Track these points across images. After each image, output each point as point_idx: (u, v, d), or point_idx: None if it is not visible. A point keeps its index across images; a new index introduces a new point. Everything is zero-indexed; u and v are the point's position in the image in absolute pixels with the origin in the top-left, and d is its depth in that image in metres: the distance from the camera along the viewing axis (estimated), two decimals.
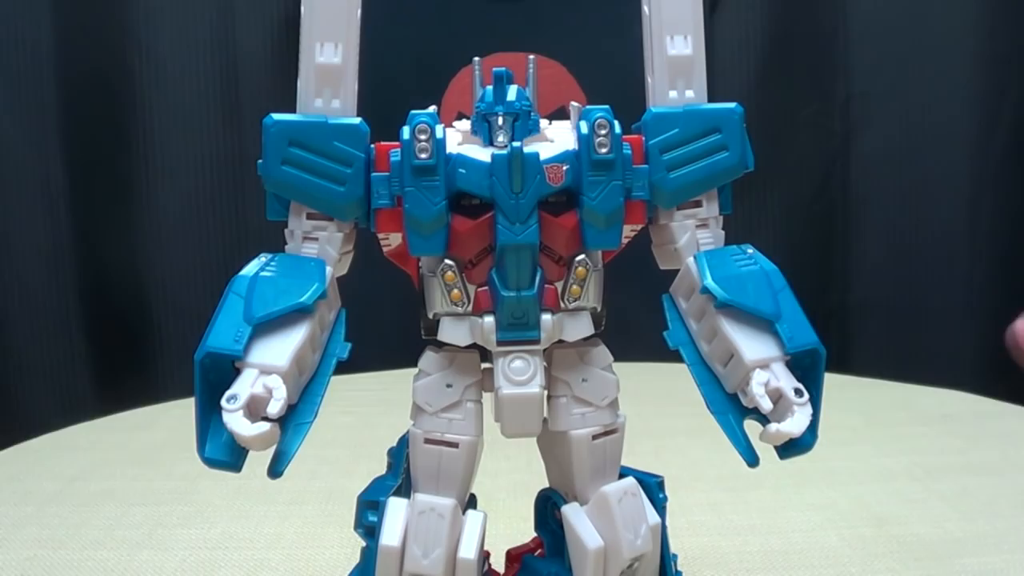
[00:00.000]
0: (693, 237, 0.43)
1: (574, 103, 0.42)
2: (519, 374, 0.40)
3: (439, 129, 0.39)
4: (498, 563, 0.48)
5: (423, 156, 0.38)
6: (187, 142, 1.39)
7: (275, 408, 0.37)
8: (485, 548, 0.45)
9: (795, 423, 0.39)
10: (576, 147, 0.40)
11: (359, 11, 0.41)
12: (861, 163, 1.47)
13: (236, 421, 0.37)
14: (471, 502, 0.44)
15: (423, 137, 0.38)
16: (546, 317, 0.40)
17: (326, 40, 0.41)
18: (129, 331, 1.44)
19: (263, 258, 0.41)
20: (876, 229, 1.49)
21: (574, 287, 0.41)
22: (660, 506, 0.44)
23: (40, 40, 1.36)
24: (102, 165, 1.41)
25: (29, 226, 1.40)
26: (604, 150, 0.39)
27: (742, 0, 1.41)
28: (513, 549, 0.49)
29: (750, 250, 0.43)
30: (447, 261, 0.40)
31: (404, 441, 0.44)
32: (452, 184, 0.39)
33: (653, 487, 0.44)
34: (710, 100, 0.43)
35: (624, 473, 0.44)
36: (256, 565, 0.68)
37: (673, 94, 0.42)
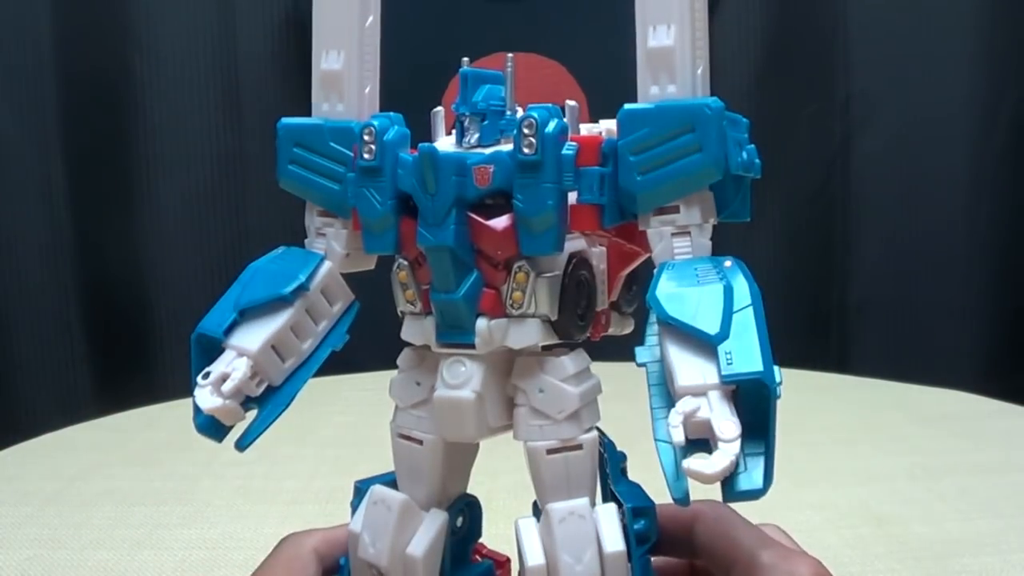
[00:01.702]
0: (668, 245, 0.39)
1: (569, 102, 0.41)
2: (454, 377, 0.40)
3: (392, 131, 0.40)
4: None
5: (367, 157, 0.40)
6: (187, 142, 1.39)
7: (228, 387, 0.40)
8: (505, 554, 0.45)
9: (710, 463, 0.33)
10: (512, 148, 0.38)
11: (368, 20, 0.42)
12: (861, 163, 1.47)
13: (200, 394, 0.40)
14: (470, 504, 0.44)
15: (368, 138, 0.40)
16: (481, 322, 0.39)
17: (330, 48, 0.42)
18: (129, 331, 1.45)
19: (279, 250, 0.44)
20: (876, 229, 1.49)
21: (515, 293, 0.39)
22: (637, 534, 0.40)
23: (40, 40, 1.36)
24: (102, 165, 1.41)
25: (29, 226, 1.40)
26: (528, 151, 0.37)
27: (742, 0, 1.41)
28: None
29: (728, 263, 0.38)
30: (402, 261, 0.41)
31: None
32: (398, 184, 0.40)
33: (633, 513, 0.41)
34: None
35: (622, 491, 0.42)
36: (256, 565, 0.67)
37: (655, 90, 0.39)
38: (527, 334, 0.40)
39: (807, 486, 0.79)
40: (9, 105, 1.37)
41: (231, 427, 0.41)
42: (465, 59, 0.41)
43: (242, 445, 0.42)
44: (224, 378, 0.40)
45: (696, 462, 0.33)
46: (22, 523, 0.76)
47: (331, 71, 0.42)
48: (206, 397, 0.40)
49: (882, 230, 1.49)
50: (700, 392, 0.34)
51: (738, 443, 0.33)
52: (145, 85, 1.37)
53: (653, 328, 0.38)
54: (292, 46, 1.37)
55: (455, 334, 0.40)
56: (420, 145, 0.39)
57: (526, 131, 0.37)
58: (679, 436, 0.34)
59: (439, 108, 0.42)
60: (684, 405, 0.34)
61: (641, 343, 0.38)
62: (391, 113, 0.42)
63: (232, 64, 1.38)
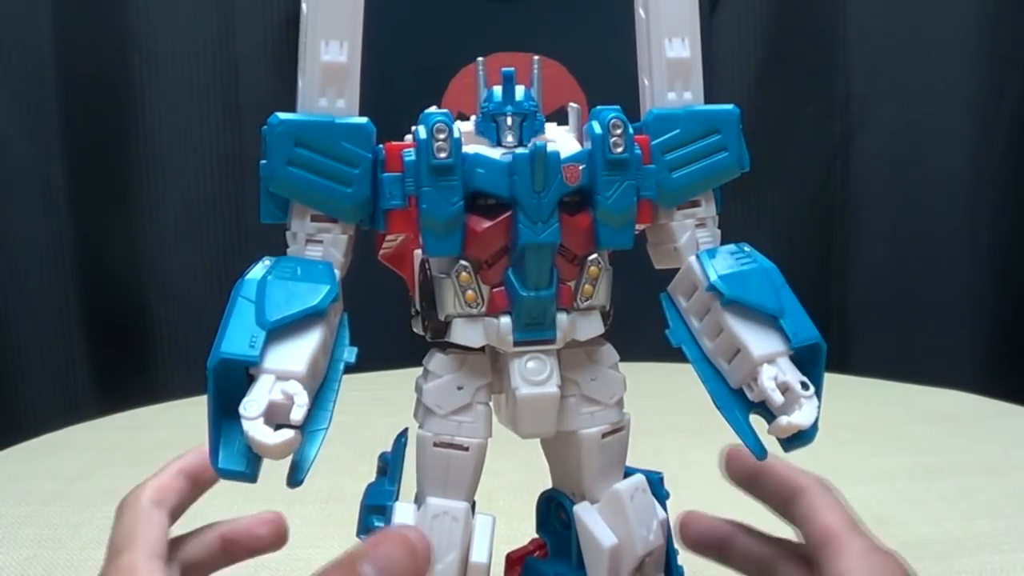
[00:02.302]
0: (693, 236, 0.43)
1: (572, 104, 0.42)
2: (536, 374, 0.40)
3: (456, 129, 0.39)
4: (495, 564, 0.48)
5: (441, 155, 0.38)
6: (187, 142, 1.40)
7: (298, 415, 0.36)
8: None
9: (804, 415, 0.40)
10: (588, 147, 0.40)
11: (362, 8, 0.41)
12: (861, 163, 1.47)
13: (258, 429, 0.36)
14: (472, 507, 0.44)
15: (441, 136, 0.38)
16: (562, 317, 0.40)
17: (331, 38, 0.40)
18: (129, 331, 1.45)
19: (267, 261, 0.40)
20: (876, 229, 1.49)
21: (587, 286, 0.41)
22: (663, 501, 0.44)
23: (40, 40, 1.36)
24: (102, 165, 1.41)
25: (29, 226, 1.40)
26: (619, 150, 0.39)
27: (742, 0, 1.41)
28: (512, 552, 0.49)
29: (747, 248, 0.43)
30: (462, 262, 0.40)
31: (400, 444, 0.44)
32: (469, 184, 0.39)
33: (656, 483, 0.44)
34: (708, 101, 0.43)
35: (627, 471, 0.44)
36: (256, 565, 0.67)
37: (672, 96, 0.43)
38: (592, 325, 0.42)
39: None
40: (9, 105, 1.37)
41: (261, 465, 0.38)
42: (480, 59, 0.41)
43: (299, 479, 0.39)
44: (275, 408, 0.36)
45: (795, 417, 0.39)
46: (22, 523, 0.76)
47: (336, 63, 0.40)
48: (267, 432, 0.36)
49: (882, 230, 1.49)
50: (771, 359, 0.40)
51: (815, 396, 0.40)
52: (145, 86, 1.37)
53: (673, 311, 0.43)
54: (292, 47, 1.37)
55: (534, 331, 0.40)
56: (534, 144, 0.38)
57: (616, 131, 0.39)
58: (779, 398, 0.39)
59: (432, 108, 0.41)
60: (769, 372, 0.40)
61: (665, 327, 0.43)
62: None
63: (232, 65, 1.38)
